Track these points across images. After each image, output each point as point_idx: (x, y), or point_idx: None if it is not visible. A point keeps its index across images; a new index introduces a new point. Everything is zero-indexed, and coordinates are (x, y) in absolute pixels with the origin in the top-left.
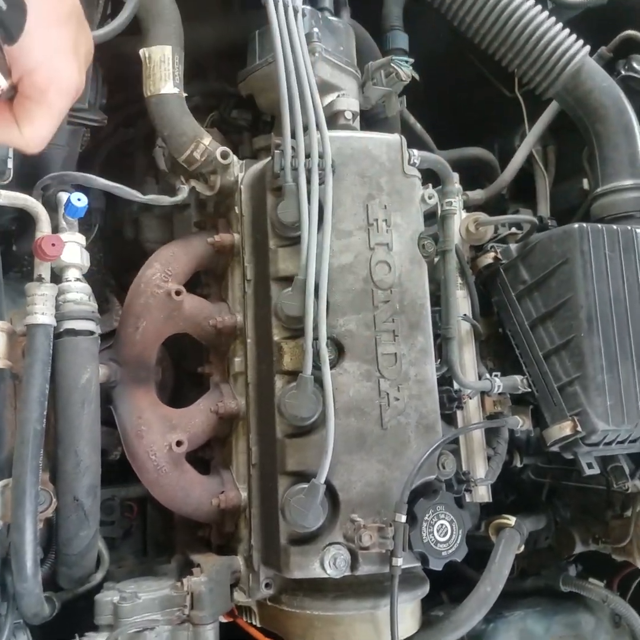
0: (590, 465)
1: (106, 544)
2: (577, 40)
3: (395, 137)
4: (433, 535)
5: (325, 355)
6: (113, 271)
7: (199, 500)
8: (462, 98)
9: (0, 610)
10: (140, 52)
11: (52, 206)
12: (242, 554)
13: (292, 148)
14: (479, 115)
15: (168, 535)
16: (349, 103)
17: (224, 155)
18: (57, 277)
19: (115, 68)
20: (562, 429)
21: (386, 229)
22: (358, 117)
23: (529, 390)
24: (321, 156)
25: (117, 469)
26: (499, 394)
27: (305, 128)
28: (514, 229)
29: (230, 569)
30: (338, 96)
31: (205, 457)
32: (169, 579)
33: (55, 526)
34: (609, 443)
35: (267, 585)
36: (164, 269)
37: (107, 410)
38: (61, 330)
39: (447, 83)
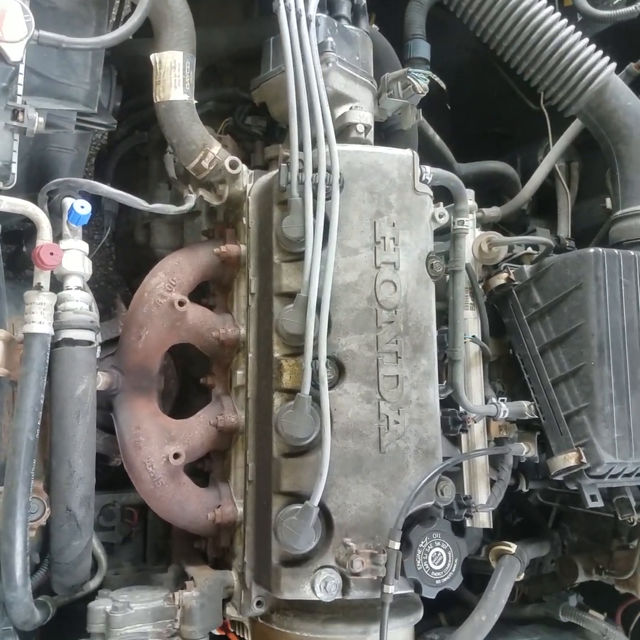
0: (594, 498)
1: (105, 550)
2: (603, 56)
3: (407, 153)
4: (427, 562)
5: (325, 374)
6: (124, 274)
7: (195, 514)
8: (486, 108)
9: None
10: (151, 57)
11: (57, 212)
12: (236, 569)
13: (300, 161)
14: (502, 126)
15: (167, 542)
16: (362, 116)
17: (233, 165)
18: (59, 284)
19: (131, 70)
20: (567, 460)
21: (393, 248)
22: (371, 130)
23: (536, 416)
24: (329, 170)
25: (119, 475)
26: (505, 419)
27: (315, 141)
28: (529, 249)
29: (223, 584)
30: (351, 108)
31: (205, 468)
32: (163, 590)
33: (49, 535)
34: (615, 476)
35: (258, 603)
36: (169, 278)
37: (109, 417)
38: (59, 339)
39: (471, 92)
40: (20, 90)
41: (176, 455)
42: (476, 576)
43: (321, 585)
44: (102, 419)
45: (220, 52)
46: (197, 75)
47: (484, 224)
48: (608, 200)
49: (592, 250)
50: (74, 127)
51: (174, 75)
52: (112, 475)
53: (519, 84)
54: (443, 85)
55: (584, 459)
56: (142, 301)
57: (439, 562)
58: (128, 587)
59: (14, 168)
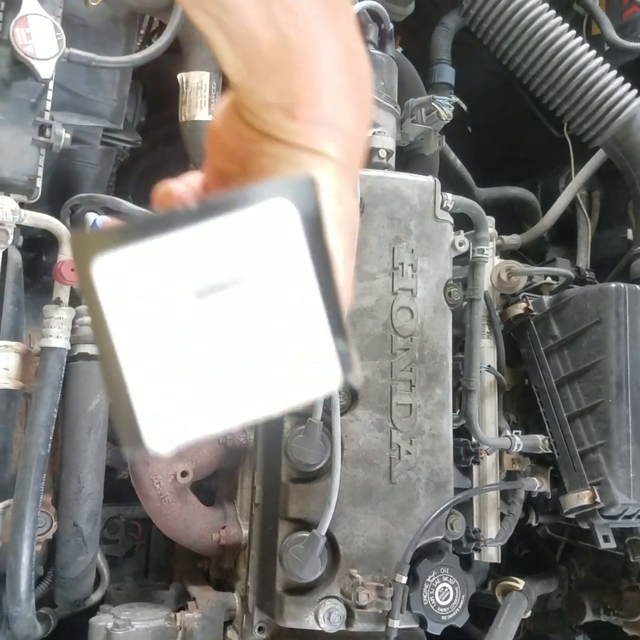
0: (606, 539)
1: (108, 563)
2: (631, 89)
3: (429, 180)
4: (434, 598)
5: (337, 400)
6: None
7: (200, 533)
8: (508, 133)
9: None
10: (178, 76)
11: (79, 226)
12: (239, 592)
13: None
14: (524, 152)
15: (170, 558)
16: (385, 141)
17: None
18: (77, 298)
19: (156, 85)
20: (580, 498)
21: (411, 274)
22: (393, 155)
23: (550, 451)
24: None
25: (125, 488)
26: (519, 452)
27: None
28: (548, 279)
29: (225, 607)
30: (374, 133)
31: (211, 486)
32: (165, 608)
33: (54, 549)
34: (629, 517)
35: (260, 628)
36: None
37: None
38: (75, 353)
39: (494, 116)
40: (48, 106)
41: (184, 474)
42: (482, 610)
43: (325, 616)
44: (111, 431)
45: None
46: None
47: (504, 251)
48: (629, 231)
49: (613, 285)
50: (100, 143)
51: (200, 95)
52: (117, 486)
53: (542, 110)
54: (465, 107)
55: (597, 498)
56: None
57: (445, 597)
58: (129, 604)
59: (39, 182)
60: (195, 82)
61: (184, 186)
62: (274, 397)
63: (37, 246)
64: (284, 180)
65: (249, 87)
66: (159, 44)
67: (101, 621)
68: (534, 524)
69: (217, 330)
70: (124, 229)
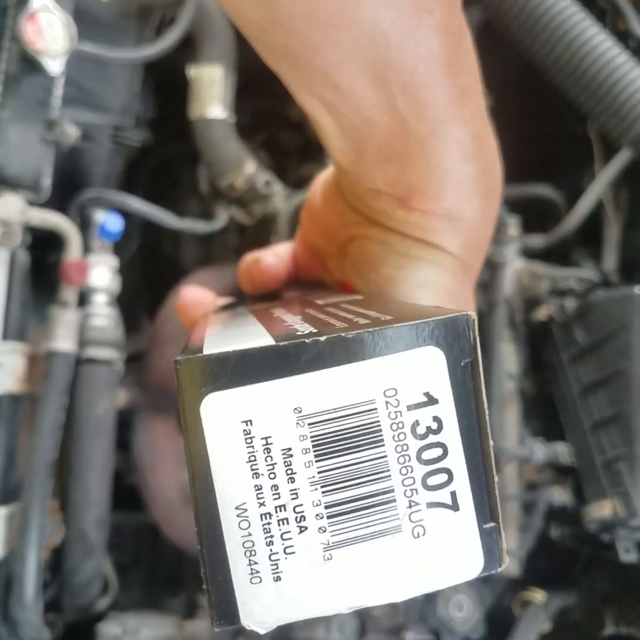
0: (627, 550)
1: (116, 570)
2: None
3: None
4: (449, 609)
5: None
6: (149, 288)
7: None
8: (531, 128)
9: (1, 632)
10: (189, 72)
11: (86, 224)
12: None
13: None
14: (548, 148)
15: (179, 565)
16: None
17: (267, 186)
18: (84, 299)
19: (167, 80)
20: (601, 509)
21: None
22: None
23: (570, 461)
24: None
25: (134, 493)
26: (540, 462)
27: None
28: (572, 282)
29: None
30: None
31: None
32: (174, 616)
33: (61, 555)
34: None
35: (271, 638)
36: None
37: (127, 434)
38: (82, 357)
39: (516, 111)
40: (58, 103)
41: None
42: (498, 622)
43: (337, 627)
44: (120, 435)
45: (259, 66)
46: (235, 89)
47: (527, 252)
48: None
49: (638, 290)
50: (110, 141)
51: (212, 91)
52: (125, 492)
53: (565, 107)
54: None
55: (618, 509)
56: (167, 319)
57: (460, 609)
58: (137, 611)
59: (48, 182)
60: (207, 78)
61: (273, 258)
62: (398, 583)
63: (42, 245)
64: (435, 320)
65: (357, 172)
66: (170, 38)
67: (108, 628)
68: (554, 534)
69: (337, 501)
70: (242, 357)
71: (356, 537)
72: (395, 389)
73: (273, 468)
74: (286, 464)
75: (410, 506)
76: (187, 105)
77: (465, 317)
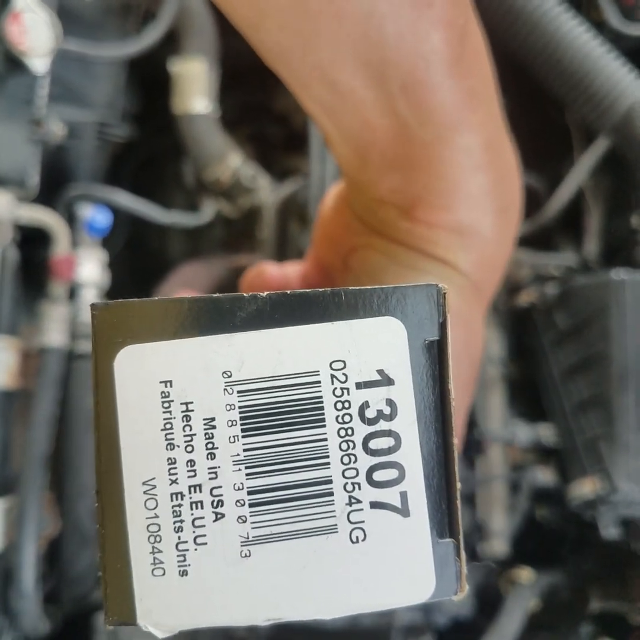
0: (609, 527)
1: None
2: (634, 75)
3: None
4: None
5: None
6: (135, 282)
7: None
8: (513, 117)
9: (2, 624)
10: (172, 66)
11: (73, 219)
12: None
13: None
14: (528, 137)
15: None
16: None
17: (253, 179)
18: (74, 294)
19: (151, 74)
20: (582, 486)
21: None
22: None
23: (554, 442)
24: None
25: None
26: (524, 444)
27: None
28: (553, 270)
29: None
30: None
31: None
32: None
33: (58, 546)
34: (631, 505)
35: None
36: (180, 290)
37: None
38: (74, 352)
39: (498, 99)
40: (44, 101)
41: None
42: (486, 601)
43: None
44: None
45: (245, 59)
46: (220, 82)
47: None
48: (633, 219)
49: (615, 274)
50: (95, 137)
51: (195, 86)
52: None
53: (544, 97)
54: None
55: (599, 486)
56: None
57: None
58: None
59: (36, 179)
60: (190, 72)
61: (279, 274)
62: (327, 597)
63: (28, 241)
64: (397, 287)
65: (362, 180)
66: (154, 34)
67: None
68: (540, 515)
69: (263, 487)
70: (167, 307)
71: (281, 533)
72: (344, 362)
73: (191, 440)
74: (207, 436)
75: (350, 503)
76: (170, 99)
77: (435, 288)
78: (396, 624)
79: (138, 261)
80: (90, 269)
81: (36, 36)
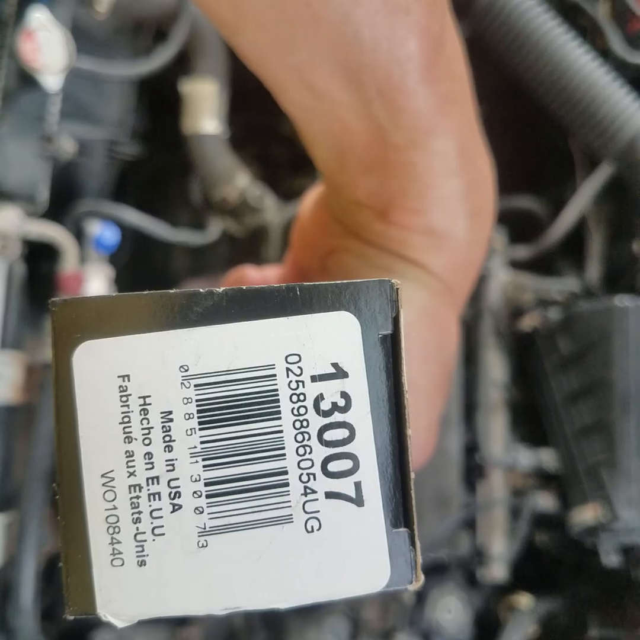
0: (609, 554)
1: None
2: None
3: None
4: (437, 612)
5: None
6: None
7: None
8: (518, 140)
9: None
10: (182, 87)
11: (80, 235)
12: None
13: None
14: (531, 161)
15: None
16: None
17: (259, 199)
18: None
19: (160, 93)
20: (583, 513)
21: None
22: None
23: (555, 467)
24: None
25: None
26: (525, 468)
27: None
28: (555, 294)
29: (228, 622)
30: None
31: None
32: (168, 623)
33: (56, 562)
34: (633, 532)
35: None
36: None
37: None
38: None
39: (504, 122)
40: (55, 118)
41: None
42: (485, 626)
43: (329, 630)
44: None
45: (250, 80)
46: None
47: (513, 263)
48: (635, 244)
49: (618, 301)
50: (105, 155)
51: (205, 106)
52: None
53: (548, 122)
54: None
55: (600, 513)
56: None
57: (449, 611)
58: None
59: (46, 195)
60: (200, 93)
61: (259, 277)
62: (283, 586)
63: (34, 255)
64: (351, 283)
65: (340, 183)
66: (165, 54)
67: (102, 636)
68: (539, 540)
69: (220, 478)
70: (125, 304)
71: (238, 523)
72: (299, 356)
73: (149, 433)
74: (165, 429)
75: (305, 493)
76: (178, 117)
77: (388, 283)
78: None
79: (142, 277)
80: (97, 285)
81: (50, 54)
